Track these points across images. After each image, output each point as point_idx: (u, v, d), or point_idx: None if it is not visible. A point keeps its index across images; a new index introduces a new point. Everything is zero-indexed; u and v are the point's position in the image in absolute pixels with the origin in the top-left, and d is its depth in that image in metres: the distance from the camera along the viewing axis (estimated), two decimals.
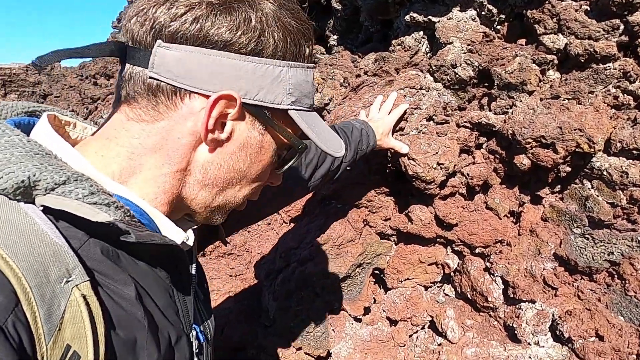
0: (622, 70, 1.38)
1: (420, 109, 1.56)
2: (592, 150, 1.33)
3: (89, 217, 0.53)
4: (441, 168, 1.44)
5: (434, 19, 1.67)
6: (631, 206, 1.31)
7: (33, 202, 0.53)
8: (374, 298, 1.69)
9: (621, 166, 1.33)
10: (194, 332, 0.72)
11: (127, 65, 0.61)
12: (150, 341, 0.59)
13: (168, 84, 0.60)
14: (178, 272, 0.69)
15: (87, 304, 0.51)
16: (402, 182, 1.60)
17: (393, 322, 1.66)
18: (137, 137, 0.62)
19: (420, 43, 1.75)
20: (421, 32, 1.74)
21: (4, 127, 0.56)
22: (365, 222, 1.66)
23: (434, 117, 1.54)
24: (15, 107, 0.65)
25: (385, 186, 1.66)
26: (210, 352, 0.81)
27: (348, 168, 1.39)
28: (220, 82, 0.60)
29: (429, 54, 1.76)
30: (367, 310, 1.67)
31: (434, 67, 1.60)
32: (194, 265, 0.77)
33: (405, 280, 1.64)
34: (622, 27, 1.37)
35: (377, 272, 1.72)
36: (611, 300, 1.34)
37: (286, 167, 0.76)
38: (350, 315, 1.64)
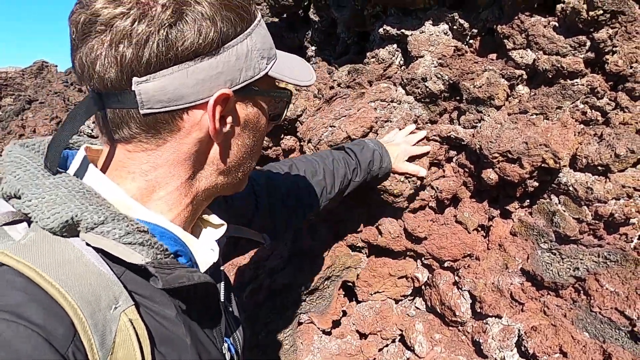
0: (589, 86, 1.39)
1: (391, 121, 1.56)
2: (558, 165, 1.33)
3: (124, 257, 0.58)
4: (409, 181, 1.44)
5: (407, 32, 1.67)
6: (596, 222, 1.31)
7: (77, 236, 0.58)
8: (344, 311, 1.67)
9: (586, 182, 1.33)
10: (225, 345, 0.77)
11: (109, 110, 0.61)
12: (195, 357, 0.63)
13: (164, 112, 0.61)
14: (210, 296, 0.73)
15: (134, 327, 0.55)
16: (373, 194, 1.59)
17: (363, 336, 1.64)
18: (145, 162, 0.65)
19: (394, 56, 1.75)
20: (395, 45, 1.75)
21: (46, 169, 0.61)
22: (335, 234, 1.65)
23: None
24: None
25: (357, 198, 1.65)
26: None
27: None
28: (208, 86, 0.61)
29: (403, 67, 1.76)
30: (336, 324, 1.65)
31: (405, 80, 1.60)
32: (222, 284, 0.82)
33: (375, 293, 1.63)
34: (588, 43, 1.38)
35: (349, 284, 1.70)
36: (577, 316, 1.33)
37: (283, 117, 0.81)
38: (318, 328, 1.62)
